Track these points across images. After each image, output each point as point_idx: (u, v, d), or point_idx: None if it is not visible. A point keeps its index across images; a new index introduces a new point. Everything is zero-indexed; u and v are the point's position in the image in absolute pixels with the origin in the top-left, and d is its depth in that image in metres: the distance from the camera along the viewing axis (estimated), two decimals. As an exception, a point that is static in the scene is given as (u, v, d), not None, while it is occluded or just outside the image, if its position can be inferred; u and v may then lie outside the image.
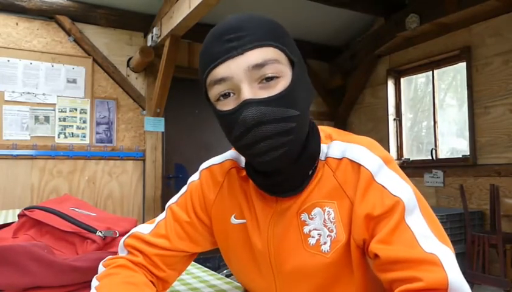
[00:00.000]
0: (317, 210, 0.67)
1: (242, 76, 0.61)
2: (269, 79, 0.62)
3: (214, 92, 0.64)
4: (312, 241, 0.67)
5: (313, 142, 0.68)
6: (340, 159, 0.67)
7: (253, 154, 0.63)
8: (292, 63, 0.65)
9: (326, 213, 0.66)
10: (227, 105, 0.64)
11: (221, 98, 0.64)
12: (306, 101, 0.67)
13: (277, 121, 0.61)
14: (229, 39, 0.62)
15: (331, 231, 0.65)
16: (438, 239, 0.58)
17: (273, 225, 0.70)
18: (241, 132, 0.62)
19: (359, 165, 0.64)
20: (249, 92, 0.61)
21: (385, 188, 0.62)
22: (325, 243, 0.66)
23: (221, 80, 0.62)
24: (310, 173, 0.68)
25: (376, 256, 0.58)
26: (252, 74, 0.61)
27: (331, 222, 0.65)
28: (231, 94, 0.63)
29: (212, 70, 0.63)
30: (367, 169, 0.64)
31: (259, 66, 0.61)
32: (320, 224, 0.66)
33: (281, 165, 0.64)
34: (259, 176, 0.69)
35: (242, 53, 0.61)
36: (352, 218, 0.63)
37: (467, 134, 3.82)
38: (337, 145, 0.69)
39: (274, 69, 0.62)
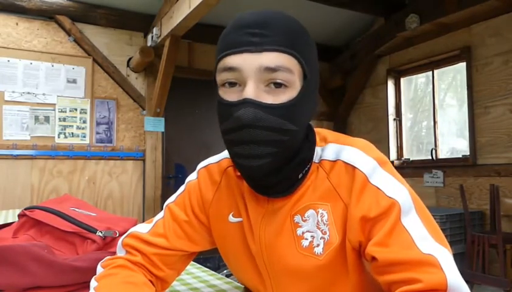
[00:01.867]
0: (310, 212, 0.67)
1: (252, 74, 0.61)
2: (277, 85, 0.61)
3: (222, 77, 0.64)
4: (305, 243, 0.66)
5: (306, 148, 0.68)
6: (334, 161, 0.67)
7: (236, 153, 0.63)
8: (305, 76, 0.64)
9: (319, 215, 0.66)
10: (229, 94, 0.63)
11: (227, 85, 0.64)
12: (308, 116, 0.66)
13: (270, 130, 0.60)
14: (252, 33, 0.61)
15: (324, 233, 0.65)
16: (434, 240, 0.58)
17: (265, 226, 0.70)
18: (232, 127, 0.62)
19: (354, 167, 0.64)
20: (252, 91, 0.60)
21: (380, 190, 0.62)
22: (318, 245, 0.65)
23: (230, 69, 0.62)
24: (300, 176, 0.67)
25: (374, 259, 0.58)
26: (262, 75, 0.61)
27: (324, 224, 0.65)
28: (237, 85, 0.63)
29: (226, 57, 0.62)
30: (361, 171, 0.63)
31: (271, 69, 0.60)
32: (313, 226, 0.66)
33: (259, 174, 0.63)
34: (247, 177, 0.69)
35: (260, 52, 0.60)
36: (348, 221, 0.63)
37: (467, 134, 3.82)
38: (331, 148, 0.69)
39: (285, 77, 0.61)
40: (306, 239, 0.67)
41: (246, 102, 0.60)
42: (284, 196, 0.68)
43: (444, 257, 0.56)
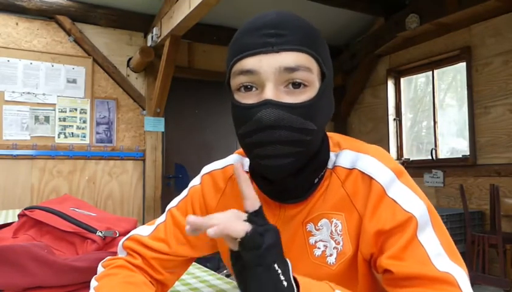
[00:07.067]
0: (323, 221, 0.65)
1: (271, 75, 0.59)
2: (296, 86, 0.60)
3: (237, 81, 0.62)
4: (317, 252, 0.65)
5: (323, 152, 0.67)
6: (351, 170, 0.66)
7: (258, 155, 0.61)
8: (323, 75, 0.63)
9: (333, 225, 0.65)
10: (246, 98, 0.61)
11: (242, 89, 0.62)
12: (326, 117, 0.65)
13: (292, 130, 0.59)
14: (268, 34, 0.59)
15: (338, 243, 0.64)
16: (449, 258, 0.57)
17: None
18: (253, 130, 0.60)
19: (371, 178, 0.63)
20: (272, 92, 0.59)
21: (397, 204, 0.60)
22: (330, 255, 0.64)
23: (247, 72, 0.60)
24: (316, 181, 0.66)
25: (388, 271, 0.57)
26: (281, 76, 0.59)
27: (338, 234, 0.64)
28: (254, 88, 0.61)
29: (241, 60, 0.61)
30: (379, 183, 0.62)
31: (291, 69, 0.59)
32: (327, 236, 0.65)
33: (282, 174, 0.62)
34: (263, 180, 0.67)
35: (277, 52, 0.59)
36: (362, 233, 0.62)
37: (467, 134, 3.82)
38: (347, 154, 0.68)
39: (304, 76, 0.60)
40: (319, 248, 0.65)
41: (267, 103, 0.58)
42: (298, 202, 0.67)
43: (461, 276, 0.55)
